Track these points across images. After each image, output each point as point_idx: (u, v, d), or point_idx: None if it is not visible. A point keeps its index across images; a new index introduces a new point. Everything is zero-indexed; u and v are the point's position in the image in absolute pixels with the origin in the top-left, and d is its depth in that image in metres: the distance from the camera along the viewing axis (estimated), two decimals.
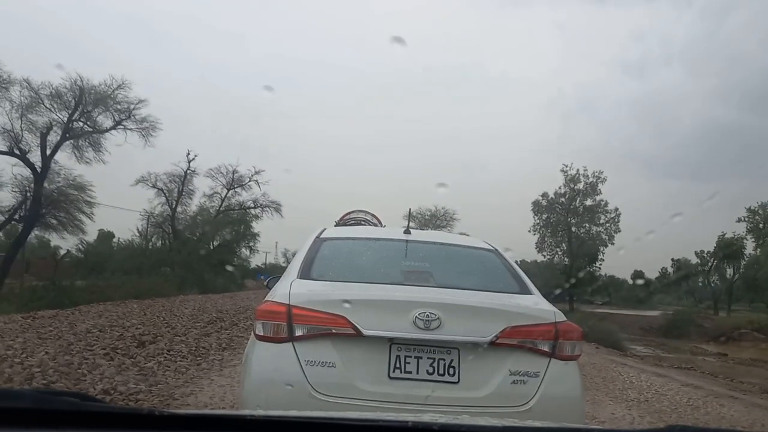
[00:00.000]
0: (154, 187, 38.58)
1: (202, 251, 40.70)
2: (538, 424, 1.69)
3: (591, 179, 42.25)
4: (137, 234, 39.86)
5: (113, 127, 27.29)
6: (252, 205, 43.21)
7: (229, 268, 41.67)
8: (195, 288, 31.23)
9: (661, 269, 61.40)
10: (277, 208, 42.97)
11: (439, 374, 3.13)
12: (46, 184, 24.75)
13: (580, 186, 42.71)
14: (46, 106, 24.54)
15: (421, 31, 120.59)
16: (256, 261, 61.26)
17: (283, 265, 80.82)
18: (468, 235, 5.11)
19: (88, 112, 26.09)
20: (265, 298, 3.45)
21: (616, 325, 28.76)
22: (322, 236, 4.13)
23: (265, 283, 4.70)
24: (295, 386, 3.05)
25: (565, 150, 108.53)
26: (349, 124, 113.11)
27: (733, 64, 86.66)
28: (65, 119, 25.01)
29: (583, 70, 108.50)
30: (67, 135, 25.18)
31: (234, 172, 41.65)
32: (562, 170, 42.88)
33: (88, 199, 27.14)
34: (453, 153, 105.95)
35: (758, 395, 11.08)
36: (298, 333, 3.12)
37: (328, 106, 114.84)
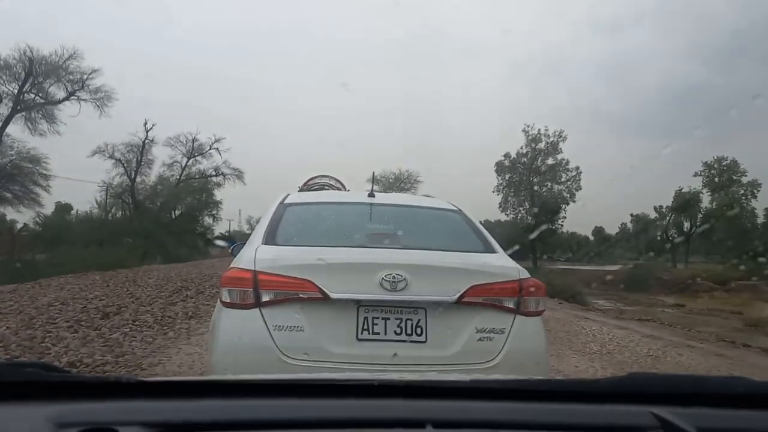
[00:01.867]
0: (111, 157, 37.87)
1: (164, 220, 40.28)
2: (503, 377, 1.75)
3: (552, 138, 42.71)
4: (96, 205, 39.20)
5: (66, 98, 26.94)
6: (213, 173, 42.69)
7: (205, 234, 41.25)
8: (158, 258, 30.98)
9: (621, 224, 62.82)
10: (239, 175, 42.57)
11: (406, 334, 3.15)
12: None
13: (542, 146, 43.19)
14: None
15: None
16: (219, 228, 60.84)
17: (247, 232, 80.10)
18: (432, 197, 5.12)
19: (39, 83, 25.62)
20: (231, 265, 3.43)
21: (578, 280, 29.43)
22: (285, 202, 4.08)
23: (230, 251, 4.66)
24: (264, 351, 3.04)
25: (534, 113, 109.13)
26: (312, 94, 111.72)
27: (701, 23, 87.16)
28: (15, 91, 24.35)
29: (552, 31, 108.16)
30: (18, 107, 24.63)
31: (194, 140, 41.09)
32: (524, 130, 43.27)
33: (44, 171, 26.61)
34: (419, 119, 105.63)
35: (714, 343, 11.45)
36: (265, 298, 3.12)
37: (291, 75, 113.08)
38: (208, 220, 47.55)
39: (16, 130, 25.15)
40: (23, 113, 25.09)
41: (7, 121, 24.11)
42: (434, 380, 1.54)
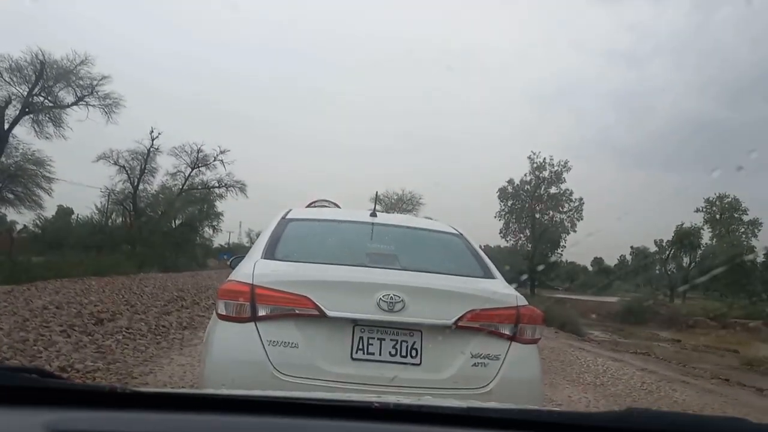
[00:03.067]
0: (116, 164, 37.84)
1: (164, 229, 40.27)
2: (499, 405, 1.73)
3: (557, 168, 42.82)
4: (96, 211, 39.17)
5: (75, 103, 26.80)
6: (216, 185, 42.66)
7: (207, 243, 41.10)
8: (156, 266, 30.79)
9: (620, 257, 62.71)
10: (242, 188, 42.47)
11: (401, 356, 3.11)
12: (3, 159, 24.19)
13: (546, 174, 43.24)
14: (4, 80, 24.10)
15: (402, 10, 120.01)
16: (219, 240, 60.95)
17: (247, 245, 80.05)
18: (434, 220, 5.07)
19: (50, 87, 25.57)
20: (229, 278, 3.40)
21: (575, 310, 29.30)
22: (287, 217, 4.05)
23: (229, 263, 4.67)
24: (257, 366, 3.01)
25: (539, 138, 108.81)
26: (318, 107, 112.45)
27: (714, 58, 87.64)
28: (25, 93, 24.47)
29: (564, 58, 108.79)
30: (27, 109, 24.67)
31: (199, 151, 40.99)
32: (529, 157, 43.38)
33: (47, 174, 26.63)
34: (424, 137, 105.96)
35: (709, 380, 11.40)
36: (261, 313, 3.08)
37: (298, 86, 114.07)
38: (208, 231, 47.64)
39: (22, 132, 25.34)
40: (31, 115, 25.19)
41: (15, 122, 24.22)
42: (431, 405, 1.52)
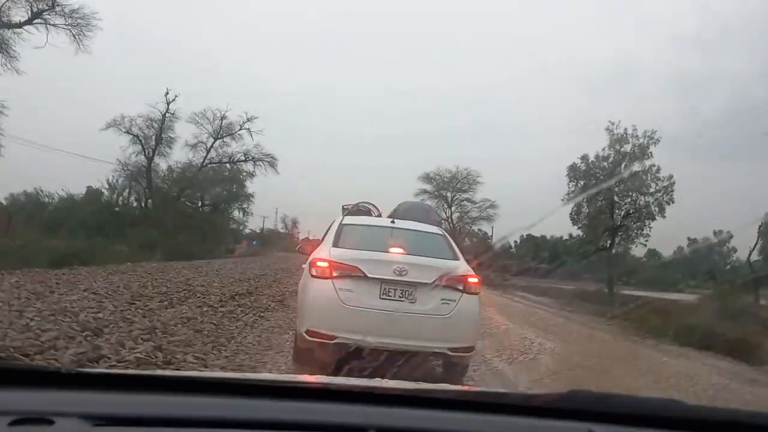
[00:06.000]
0: (128, 132, 32.87)
1: (185, 210, 35.17)
2: (446, 387, 1.90)
3: (641, 140, 35.66)
4: (107, 186, 34.29)
5: (29, 21, 20.24)
6: (243, 158, 37.21)
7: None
8: (165, 254, 25.40)
9: (677, 248, 55.70)
10: (272, 162, 37.04)
11: (405, 297, 5.92)
12: None
13: (628, 148, 36.21)
14: None
15: None
16: (251, 225, 55.49)
17: (282, 231, 76.19)
18: (430, 225, 7.60)
19: None
20: (313, 255, 6.33)
21: (668, 314, 23.01)
22: (343, 222, 6.92)
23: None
24: (333, 301, 5.77)
25: (592, 123, 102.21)
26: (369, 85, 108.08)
27: None
28: None
29: (620, 42, 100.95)
30: None
31: (222, 118, 35.62)
32: (607, 129, 36.34)
33: None
34: (475, 120, 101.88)
35: None
36: (335, 274, 5.89)
37: (342, 57, 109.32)
38: (237, 213, 42.35)
39: None
40: None
41: None
42: (378, 386, 1.64)
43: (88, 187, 35.15)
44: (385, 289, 5.86)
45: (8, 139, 21.66)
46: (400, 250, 6.25)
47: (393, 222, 7.17)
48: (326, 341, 5.76)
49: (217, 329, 8.26)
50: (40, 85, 60.74)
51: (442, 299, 5.95)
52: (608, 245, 37.09)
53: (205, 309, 9.64)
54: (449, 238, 7.27)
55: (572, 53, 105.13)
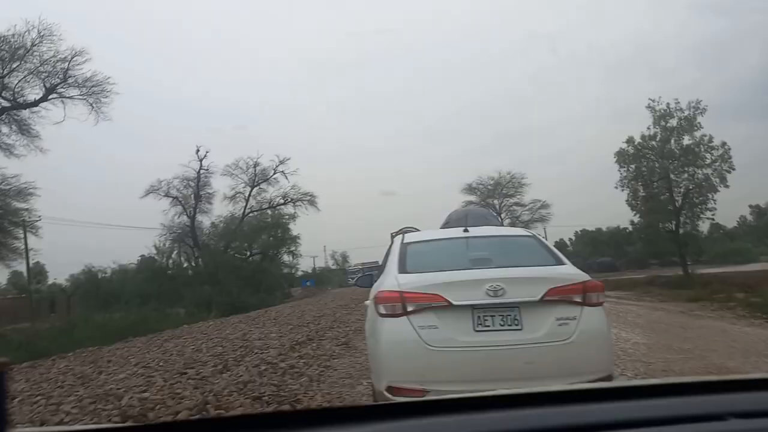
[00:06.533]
0: (167, 195, 32.83)
1: (234, 262, 34.79)
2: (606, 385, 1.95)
3: (687, 112, 33.99)
4: (155, 251, 34.18)
5: (44, 98, 18.88)
6: (282, 201, 36.79)
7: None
8: (213, 311, 24.94)
9: (740, 217, 52.89)
10: (311, 200, 36.54)
11: (508, 325, 4.51)
12: None
13: (674, 123, 34.55)
14: None
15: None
16: (302, 267, 54.99)
17: (334, 268, 75.16)
18: (512, 227, 7.07)
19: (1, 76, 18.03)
20: (378, 288, 4.94)
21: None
22: (405, 242, 5.45)
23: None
24: (415, 342, 4.43)
25: (621, 105, 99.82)
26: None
27: None
28: None
29: (645, 16, 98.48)
30: None
31: (255, 165, 35.37)
32: (649, 107, 34.82)
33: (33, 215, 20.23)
34: (505, 121, 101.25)
35: None
36: (410, 309, 4.52)
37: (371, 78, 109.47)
38: (286, 257, 41.86)
39: None
40: None
41: None
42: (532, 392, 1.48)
43: (141, 256, 35.23)
44: (479, 317, 4.48)
45: (51, 221, 21.18)
46: (487, 265, 4.98)
47: (466, 230, 5.58)
48: (415, 398, 4.18)
49: (278, 392, 7.08)
50: (67, 163, 61.65)
51: (558, 319, 4.51)
52: (674, 226, 35.05)
53: (263, 368, 8.69)
54: (542, 239, 5.88)
55: (593, 41, 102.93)
